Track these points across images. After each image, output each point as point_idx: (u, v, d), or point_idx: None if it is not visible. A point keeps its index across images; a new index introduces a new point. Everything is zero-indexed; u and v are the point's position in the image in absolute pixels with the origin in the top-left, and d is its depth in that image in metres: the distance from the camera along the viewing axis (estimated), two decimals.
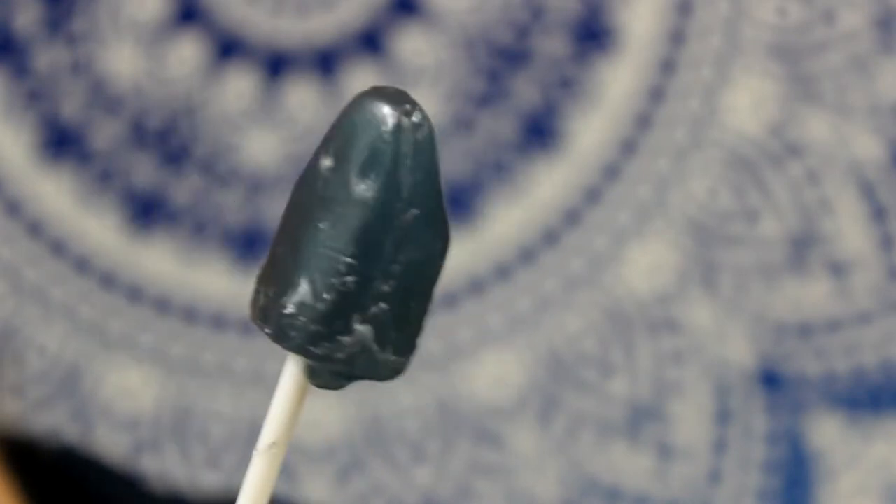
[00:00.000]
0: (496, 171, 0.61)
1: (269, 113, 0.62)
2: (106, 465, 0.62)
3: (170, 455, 0.62)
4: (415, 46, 0.62)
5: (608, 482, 0.61)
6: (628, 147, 0.61)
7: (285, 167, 0.62)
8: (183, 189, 0.63)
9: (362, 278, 0.25)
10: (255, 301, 0.26)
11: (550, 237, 0.61)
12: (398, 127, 0.24)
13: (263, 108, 0.62)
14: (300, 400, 0.26)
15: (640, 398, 0.61)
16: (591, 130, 0.61)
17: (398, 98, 0.25)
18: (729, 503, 0.60)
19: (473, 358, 0.61)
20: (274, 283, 0.26)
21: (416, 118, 0.24)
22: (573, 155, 0.61)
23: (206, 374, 0.62)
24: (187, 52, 0.63)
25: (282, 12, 0.63)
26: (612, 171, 0.61)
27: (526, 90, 0.62)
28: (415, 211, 0.25)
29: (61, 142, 0.63)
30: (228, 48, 0.63)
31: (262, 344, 0.65)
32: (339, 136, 0.25)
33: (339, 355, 0.25)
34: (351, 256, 0.25)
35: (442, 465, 0.61)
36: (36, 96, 0.63)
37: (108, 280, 0.63)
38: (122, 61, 0.63)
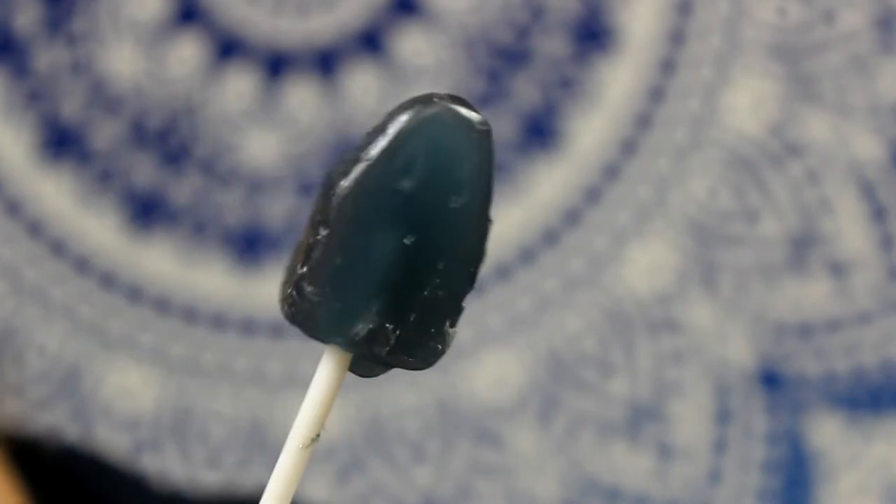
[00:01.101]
0: (496, 171, 0.61)
1: (269, 113, 0.62)
2: (106, 465, 0.62)
3: (170, 455, 0.62)
4: (415, 46, 0.62)
5: (608, 482, 0.61)
6: (628, 147, 0.61)
7: (285, 167, 0.62)
8: (183, 189, 0.63)
9: (454, 286, 0.26)
10: (297, 305, 0.26)
11: (550, 237, 0.61)
12: (475, 136, 0.25)
13: (263, 108, 0.62)
14: (336, 394, 0.27)
15: (640, 398, 0.61)
16: (591, 130, 0.61)
17: (467, 106, 0.25)
18: (729, 503, 0.60)
19: (473, 358, 0.61)
20: (331, 288, 0.26)
21: (485, 126, 0.25)
22: (573, 155, 0.61)
23: (206, 374, 0.62)
24: (187, 52, 0.63)
25: (282, 12, 0.63)
26: (612, 171, 0.61)
27: (526, 90, 0.62)
28: (491, 223, 0.26)
29: (61, 142, 0.63)
30: (228, 48, 0.63)
31: (262, 344, 0.66)
32: (408, 145, 0.25)
33: (433, 358, 0.27)
34: (444, 266, 0.25)
35: (442, 465, 0.61)
36: (36, 96, 0.63)
37: (108, 280, 0.63)
38: (122, 61, 0.63)
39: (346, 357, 0.26)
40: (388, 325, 0.25)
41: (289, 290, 0.26)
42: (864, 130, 0.60)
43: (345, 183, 0.25)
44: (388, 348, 0.26)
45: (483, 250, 0.26)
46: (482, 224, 0.26)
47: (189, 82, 0.63)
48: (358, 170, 0.25)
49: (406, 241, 0.25)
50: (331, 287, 0.25)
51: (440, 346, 0.26)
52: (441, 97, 0.25)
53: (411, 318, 0.26)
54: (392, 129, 0.25)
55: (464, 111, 0.25)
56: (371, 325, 0.25)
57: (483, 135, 0.25)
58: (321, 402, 0.27)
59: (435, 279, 0.25)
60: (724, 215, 0.61)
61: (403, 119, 0.25)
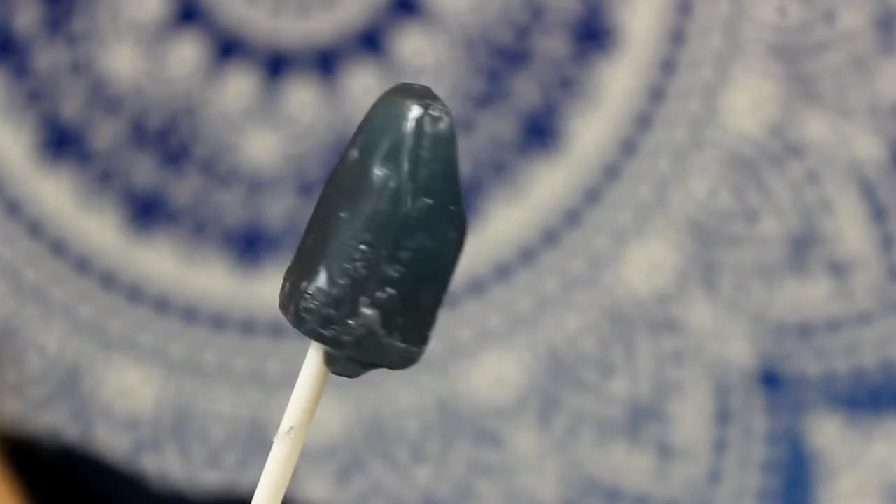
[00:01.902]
0: (496, 171, 0.61)
1: (269, 113, 0.62)
2: (106, 465, 0.62)
3: (170, 455, 0.62)
4: (415, 46, 0.62)
5: (608, 482, 0.61)
6: (628, 147, 0.61)
7: (285, 167, 0.62)
8: (183, 189, 0.63)
9: (372, 264, 0.26)
10: (282, 290, 0.27)
11: (550, 237, 0.61)
12: (417, 119, 0.26)
13: (263, 108, 0.62)
14: (319, 387, 0.27)
15: (640, 398, 0.61)
16: (591, 130, 0.61)
17: (420, 93, 0.26)
18: (729, 503, 0.60)
19: (473, 358, 0.61)
20: (297, 272, 0.27)
21: (435, 112, 0.26)
22: (573, 155, 0.61)
23: (206, 374, 0.62)
24: (187, 52, 0.63)
25: (282, 12, 0.63)
26: (612, 171, 0.61)
27: (526, 90, 0.62)
28: (427, 200, 0.25)
29: (61, 142, 0.63)
30: (228, 48, 0.63)
31: (263, 344, 0.66)
32: (365, 129, 0.26)
33: (347, 338, 0.26)
34: (364, 243, 0.26)
35: (442, 465, 0.61)
36: (36, 96, 0.63)
37: (108, 280, 0.63)
38: (122, 61, 0.63)
39: (317, 346, 0.27)
40: (313, 300, 0.26)
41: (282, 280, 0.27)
42: (864, 130, 0.60)
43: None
44: (312, 322, 0.26)
45: (408, 228, 0.25)
46: (404, 202, 0.25)
47: (189, 82, 0.63)
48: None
49: (341, 213, 0.26)
50: (298, 270, 0.26)
51: (356, 325, 0.26)
52: (405, 85, 0.26)
53: (332, 293, 0.26)
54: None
55: (407, 96, 0.26)
56: (304, 299, 0.26)
57: (427, 118, 0.26)
58: (298, 391, 0.27)
59: (357, 253, 0.26)
60: (724, 215, 0.61)
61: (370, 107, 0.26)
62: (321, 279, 0.26)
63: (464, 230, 0.26)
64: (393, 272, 0.26)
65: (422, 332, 0.26)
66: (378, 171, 0.26)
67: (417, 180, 0.25)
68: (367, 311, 0.26)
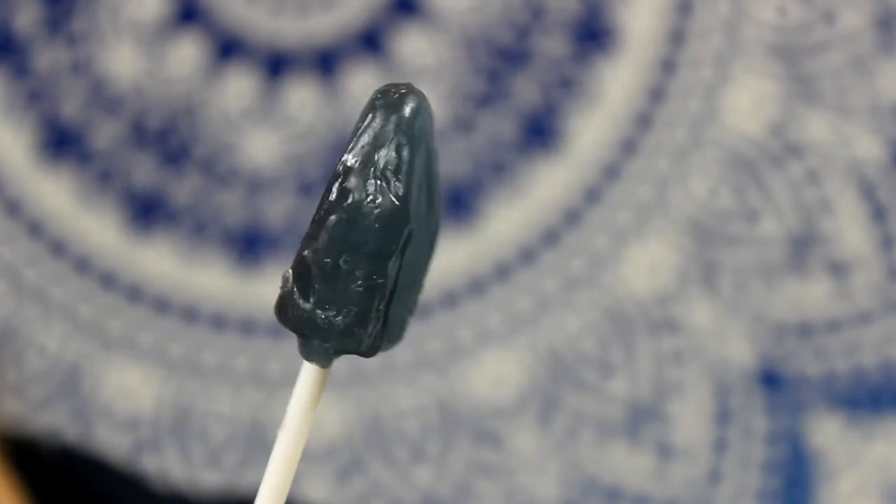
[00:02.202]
0: (496, 171, 0.61)
1: (269, 113, 0.62)
2: (106, 465, 0.62)
3: (170, 455, 0.62)
4: (415, 46, 0.62)
5: (608, 482, 0.61)
6: (628, 147, 0.61)
7: (285, 167, 0.62)
8: (183, 189, 0.63)
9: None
10: (282, 302, 0.28)
11: (550, 237, 0.61)
12: (383, 107, 0.26)
13: (263, 108, 0.62)
14: (321, 382, 0.28)
15: (640, 398, 0.61)
16: (591, 130, 0.61)
17: (393, 85, 0.27)
18: (729, 503, 0.60)
19: (473, 358, 0.61)
20: (291, 275, 0.27)
21: (394, 97, 0.26)
22: (573, 155, 0.61)
23: (206, 374, 0.62)
24: (187, 52, 0.63)
25: (282, 12, 0.63)
26: (612, 171, 0.61)
27: (526, 90, 0.62)
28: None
29: (61, 142, 0.63)
30: (228, 48, 0.63)
31: (263, 344, 0.65)
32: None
33: (274, 304, 0.27)
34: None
35: (442, 465, 0.61)
36: (36, 96, 0.63)
37: (108, 280, 0.63)
38: (122, 61, 0.63)
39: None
40: (296, 289, 0.27)
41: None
42: (864, 130, 0.60)
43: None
44: (293, 311, 0.27)
45: (325, 202, 0.26)
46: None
47: (189, 82, 0.63)
48: None
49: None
50: (294, 275, 0.27)
51: (280, 291, 0.27)
52: (385, 85, 0.27)
53: (315, 287, 0.26)
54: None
55: (394, 91, 0.26)
56: (284, 292, 0.27)
57: (385, 102, 0.26)
58: (300, 387, 0.28)
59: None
60: (724, 215, 0.61)
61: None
62: (309, 279, 0.27)
63: (395, 212, 0.26)
64: (310, 231, 0.26)
65: (348, 304, 0.27)
66: (348, 161, 0.27)
67: (352, 144, 0.26)
68: (287, 272, 0.27)
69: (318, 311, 0.26)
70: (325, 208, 0.26)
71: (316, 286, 0.26)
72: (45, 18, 0.63)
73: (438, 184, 0.27)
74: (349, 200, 0.26)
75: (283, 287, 0.26)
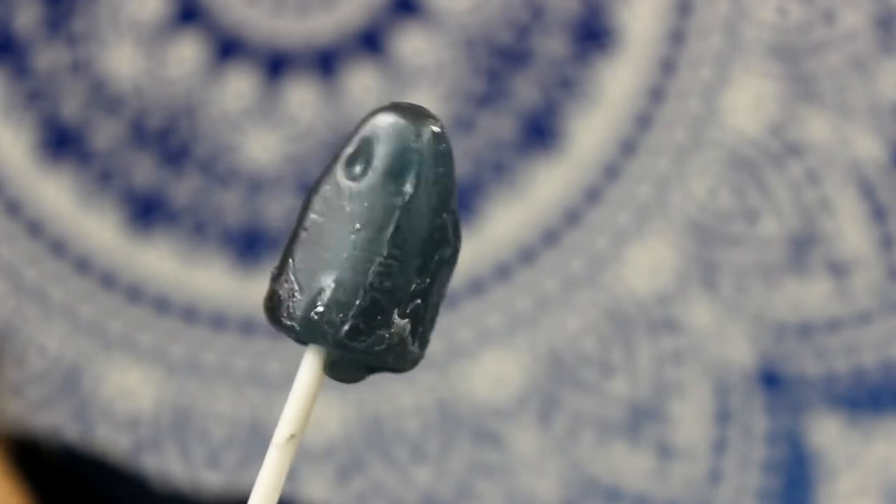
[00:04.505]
0: (496, 171, 0.61)
1: (269, 113, 0.62)
2: (106, 465, 0.62)
3: (170, 455, 0.62)
4: (415, 46, 0.62)
5: (608, 482, 0.61)
6: (628, 147, 0.61)
7: (285, 167, 0.62)
8: (183, 189, 0.63)
9: (399, 276, 0.27)
10: (273, 302, 0.28)
11: (550, 237, 0.61)
12: (430, 140, 0.27)
13: (263, 108, 0.62)
14: (317, 392, 0.28)
15: (640, 398, 0.61)
16: (591, 130, 0.61)
17: (419, 111, 0.27)
18: (729, 503, 0.60)
19: (473, 358, 0.61)
20: (300, 286, 0.27)
21: (437, 128, 0.27)
22: (573, 155, 0.61)
23: (206, 374, 0.62)
24: (187, 52, 0.63)
25: (282, 12, 0.63)
26: (612, 171, 0.61)
27: (526, 90, 0.62)
28: (446, 216, 0.27)
29: (61, 142, 0.63)
30: (228, 48, 0.63)
31: (263, 344, 0.65)
32: (364, 149, 0.27)
33: (379, 348, 0.27)
34: (390, 257, 0.27)
35: (442, 465, 0.61)
36: (36, 96, 0.63)
37: (108, 280, 0.63)
38: (122, 61, 0.63)
39: (317, 353, 0.28)
40: (333, 312, 0.27)
41: (268, 293, 0.28)
42: (864, 130, 0.60)
43: (313, 187, 0.28)
44: (334, 335, 0.27)
45: (433, 242, 0.27)
46: (427, 216, 0.27)
47: (189, 82, 0.63)
48: (322, 173, 0.28)
49: (355, 225, 0.27)
50: (296, 281, 0.27)
51: (387, 335, 0.27)
52: (398, 104, 0.27)
53: (356, 305, 0.27)
54: (351, 134, 0.27)
55: (410, 115, 0.27)
56: (317, 312, 0.27)
57: (433, 136, 0.27)
58: (296, 398, 0.28)
59: (382, 266, 0.27)
60: (724, 215, 0.61)
61: (360, 123, 0.27)
62: (340, 292, 0.27)
63: (460, 238, 0.28)
64: (421, 284, 0.27)
65: (429, 336, 0.28)
66: (393, 189, 0.27)
67: (436, 197, 0.27)
68: (399, 321, 0.27)
69: (419, 351, 0.27)
70: (431, 252, 0.27)
71: (420, 329, 0.27)
72: (45, 18, 0.63)
73: None
74: (444, 240, 0.27)
75: (400, 335, 0.27)
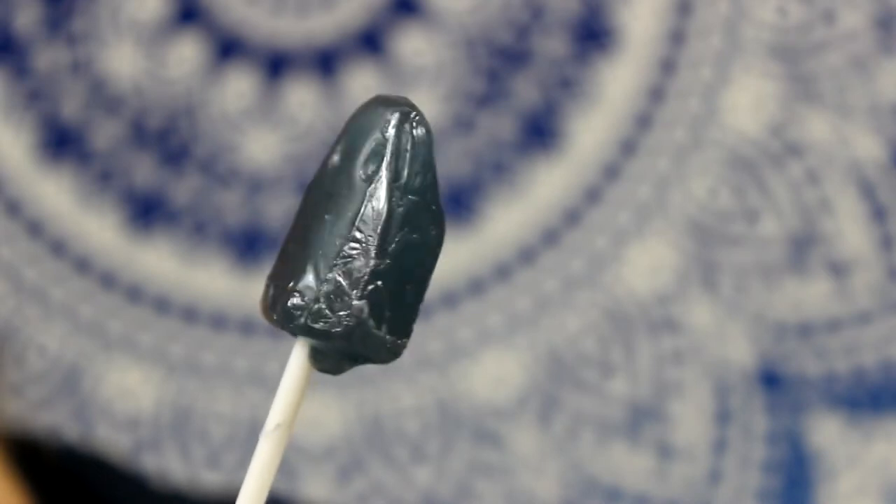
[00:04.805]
0: (496, 171, 0.61)
1: (269, 113, 0.62)
2: (106, 465, 0.62)
3: (170, 455, 0.62)
4: (415, 46, 0.62)
5: (608, 482, 0.61)
6: (628, 147, 0.61)
7: (285, 167, 0.62)
8: (183, 189, 0.63)
9: (361, 259, 0.27)
10: (265, 296, 0.28)
11: (550, 237, 0.61)
12: (398, 124, 0.27)
13: (263, 108, 0.62)
14: (305, 384, 0.28)
15: (640, 398, 0.61)
16: (591, 130, 0.61)
17: (398, 101, 0.27)
18: (729, 503, 0.60)
19: (473, 358, 0.61)
20: (282, 276, 0.28)
21: (414, 116, 0.27)
22: (573, 155, 0.61)
23: (206, 374, 0.62)
24: (187, 52, 0.63)
25: (282, 12, 0.63)
26: (612, 171, 0.61)
27: (526, 90, 0.62)
28: (412, 198, 0.27)
29: (61, 142, 0.63)
30: (228, 48, 0.63)
31: (262, 344, 0.65)
32: (346, 137, 0.28)
33: (337, 330, 0.27)
34: (352, 241, 0.27)
35: (442, 465, 0.61)
36: (36, 96, 0.63)
37: (108, 280, 0.63)
38: (122, 61, 0.63)
39: (304, 344, 0.28)
40: (303, 297, 0.27)
41: (264, 286, 0.29)
42: (864, 130, 0.60)
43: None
44: (303, 320, 0.27)
45: (393, 223, 0.27)
46: (387, 198, 0.27)
47: (189, 82, 0.63)
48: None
49: (326, 215, 0.27)
50: (283, 274, 0.28)
51: (345, 317, 0.27)
52: (380, 96, 0.28)
53: (322, 289, 0.27)
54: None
55: (383, 103, 0.27)
56: (292, 300, 0.27)
57: (402, 121, 0.27)
58: (284, 388, 0.28)
59: (346, 250, 0.27)
60: (724, 215, 0.61)
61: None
62: (309, 277, 0.27)
63: (443, 228, 0.28)
64: (381, 265, 0.27)
65: (406, 326, 0.28)
66: (362, 173, 0.27)
67: (401, 179, 0.27)
68: (357, 302, 0.27)
69: (390, 337, 0.27)
70: (391, 233, 0.27)
71: (387, 313, 0.27)
72: (45, 18, 0.63)
73: None
74: (410, 223, 0.27)
75: (357, 317, 0.27)
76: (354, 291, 0.27)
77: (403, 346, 0.28)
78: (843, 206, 0.60)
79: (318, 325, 0.27)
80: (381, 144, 0.27)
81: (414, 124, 0.27)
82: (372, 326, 0.27)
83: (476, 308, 0.61)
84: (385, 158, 0.27)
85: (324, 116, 0.62)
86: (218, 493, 0.62)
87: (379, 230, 0.27)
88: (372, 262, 0.27)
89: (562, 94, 0.61)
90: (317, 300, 0.27)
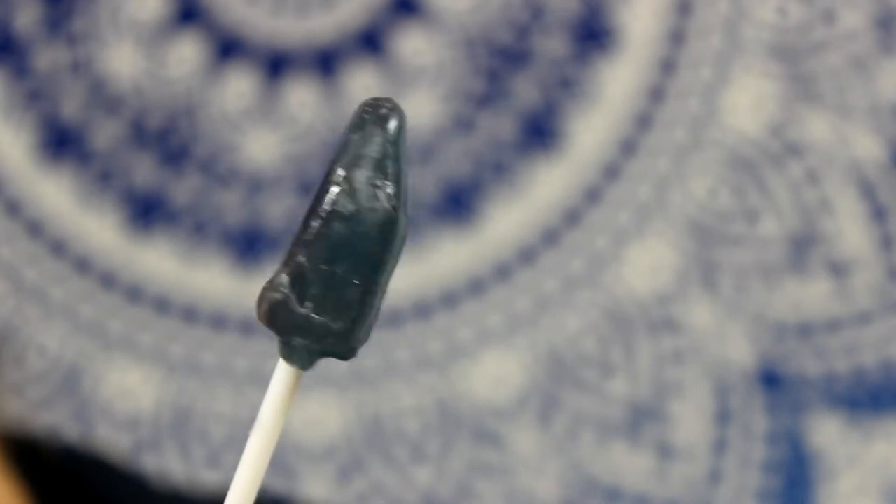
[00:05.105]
0: (496, 171, 0.61)
1: (269, 113, 0.62)
2: (106, 465, 0.62)
3: (170, 455, 0.62)
4: (415, 46, 0.62)
5: (608, 482, 0.61)
6: (628, 147, 0.61)
7: (285, 167, 0.62)
8: (183, 189, 0.63)
9: (294, 237, 0.27)
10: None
11: (550, 237, 0.61)
12: (361, 113, 0.27)
13: (263, 108, 0.62)
14: (289, 380, 0.29)
15: (640, 398, 0.61)
16: (591, 130, 0.61)
17: (379, 100, 0.27)
18: (729, 503, 0.60)
19: (473, 358, 0.61)
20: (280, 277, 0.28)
21: (382, 112, 0.27)
22: (573, 155, 0.61)
23: (206, 374, 0.62)
24: (187, 52, 0.63)
25: (282, 12, 0.63)
26: (612, 171, 0.61)
27: (526, 90, 0.62)
28: (340, 172, 0.27)
29: (61, 142, 0.63)
30: (228, 48, 0.63)
31: (262, 344, 0.65)
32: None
33: (262, 308, 0.27)
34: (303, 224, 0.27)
35: (442, 465, 0.61)
36: (36, 96, 0.63)
37: (108, 280, 0.63)
38: (122, 61, 0.63)
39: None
40: (292, 295, 0.27)
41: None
42: (864, 130, 0.60)
43: None
44: (285, 315, 0.27)
45: (322, 194, 0.27)
46: (325, 175, 0.27)
47: (189, 82, 0.63)
48: None
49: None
50: (290, 281, 0.27)
51: (269, 292, 0.27)
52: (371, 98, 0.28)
53: (312, 293, 0.27)
54: None
55: (360, 106, 0.27)
56: (278, 297, 0.27)
57: (362, 115, 0.27)
58: (273, 387, 0.29)
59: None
60: (724, 215, 0.61)
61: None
62: (283, 274, 0.27)
63: (391, 219, 0.27)
64: (304, 236, 0.27)
65: (343, 308, 0.27)
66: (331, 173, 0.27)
67: (344, 155, 0.27)
68: (278, 277, 0.27)
69: (315, 316, 0.27)
70: (321, 216, 0.26)
71: (313, 292, 0.26)
72: (45, 18, 0.63)
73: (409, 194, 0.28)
74: (348, 208, 0.26)
75: (273, 291, 0.26)
76: (283, 268, 0.27)
77: (349, 330, 0.27)
78: (843, 206, 0.60)
79: (258, 309, 0.27)
80: (347, 142, 0.27)
81: (376, 110, 0.27)
82: (293, 302, 0.27)
83: (476, 308, 0.61)
84: (340, 151, 0.27)
85: (324, 116, 0.62)
86: (218, 493, 0.62)
87: (311, 206, 0.27)
88: (298, 235, 0.27)
89: (562, 94, 0.61)
90: (268, 287, 0.27)
